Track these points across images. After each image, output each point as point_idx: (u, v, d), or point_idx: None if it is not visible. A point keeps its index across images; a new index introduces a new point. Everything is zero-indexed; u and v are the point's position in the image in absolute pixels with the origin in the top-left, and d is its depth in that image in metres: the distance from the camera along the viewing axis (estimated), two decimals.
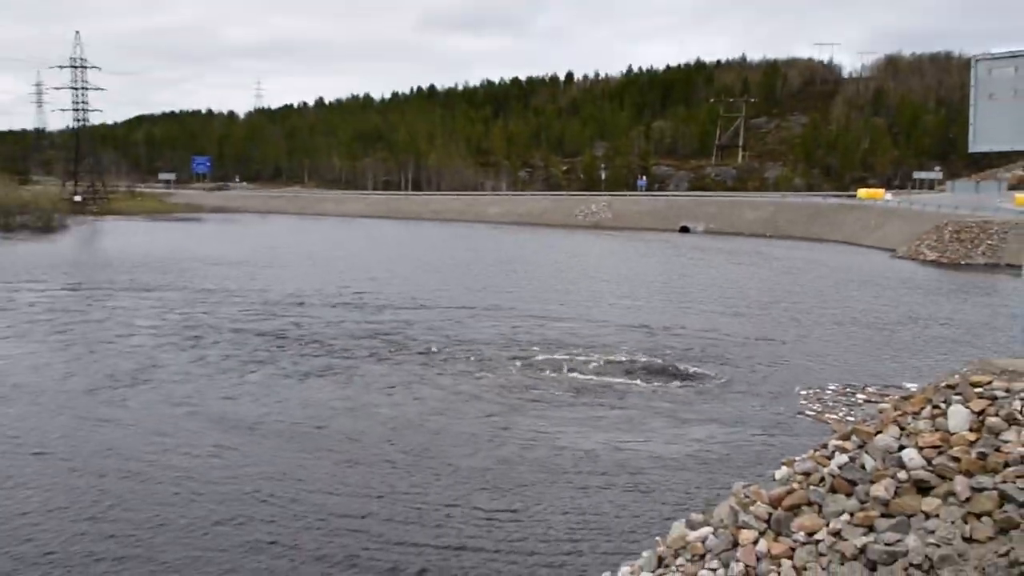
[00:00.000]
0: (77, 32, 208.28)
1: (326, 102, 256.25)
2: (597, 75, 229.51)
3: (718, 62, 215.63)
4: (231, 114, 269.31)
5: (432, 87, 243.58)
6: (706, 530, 11.64)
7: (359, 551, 16.17)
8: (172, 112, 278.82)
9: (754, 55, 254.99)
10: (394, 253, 77.00)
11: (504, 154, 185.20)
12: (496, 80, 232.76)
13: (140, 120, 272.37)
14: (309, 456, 21.56)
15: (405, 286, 53.11)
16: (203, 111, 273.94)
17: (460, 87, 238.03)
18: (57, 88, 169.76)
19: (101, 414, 25.20)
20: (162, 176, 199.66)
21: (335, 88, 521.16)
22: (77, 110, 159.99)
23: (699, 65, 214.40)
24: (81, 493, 19.05)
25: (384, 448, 22.16)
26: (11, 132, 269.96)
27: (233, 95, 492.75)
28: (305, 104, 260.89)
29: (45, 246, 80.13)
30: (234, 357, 32.88)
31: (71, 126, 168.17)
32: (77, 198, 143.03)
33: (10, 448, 22.05)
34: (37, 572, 15.38)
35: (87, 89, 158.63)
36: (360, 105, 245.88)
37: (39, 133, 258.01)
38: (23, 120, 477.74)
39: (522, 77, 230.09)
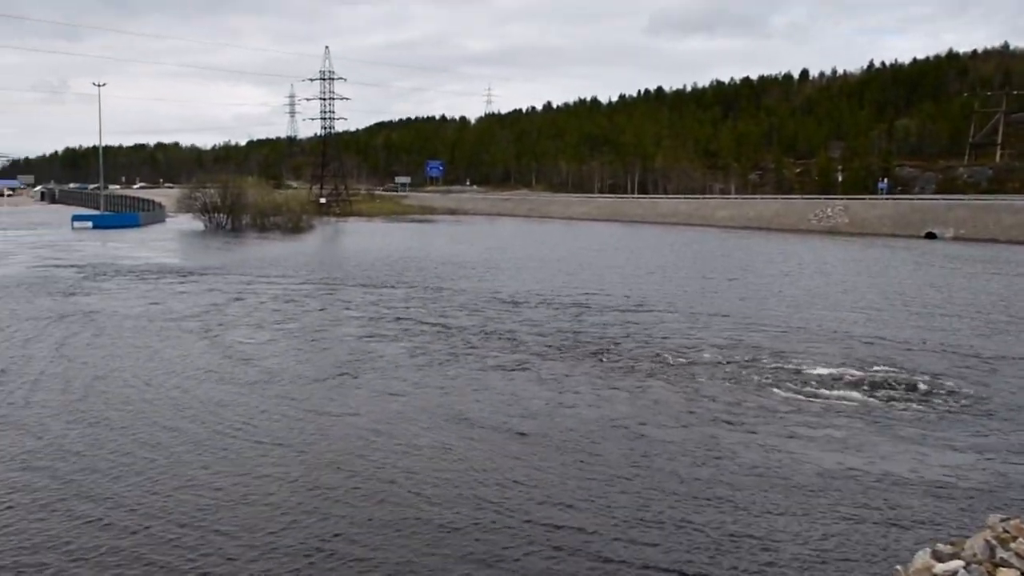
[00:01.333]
0: (327, 47, 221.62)
1: (554, 106, 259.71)
2: (835, 72, 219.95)
3: (974, 52, 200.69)
4: (463, 120, 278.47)
5: (660, 89, 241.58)
6: (956, 563, 10.65)
7: (582, 569, 16.00)
8: (409, 119, 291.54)
9: (1019, 43, 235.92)
10: (619, 257, 76.82)
11: (733, 156, 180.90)
12: (726, 80, 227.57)
13: (380, 127, 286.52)
14: (520, 459, 21.69)
15: (629, 290, 52.79)
16: (437, 118, 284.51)
17: (689, 88, 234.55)
18: (308, 99, 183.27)
19: (324, 405, 26.49)
20: (398, 180, 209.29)
21: (563, 92, 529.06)
22: (325, 119, 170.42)
23: (951, 56, 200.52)
24: (302, 485, 20.02)
25: (597, 454, 21.96)
26: (268, 140, 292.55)
27: (466, 102, 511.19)
28: (534, 108, 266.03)
29: (294, 245, 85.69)
30: (457, 355, 33.64)
31: (319, 134, 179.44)
32: (322, 200, 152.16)
33: (241, 436, 23.54)
34: (237, 565, 16.27)
35: (334, 99, 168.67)
36: (587, 108, 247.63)
37: (291, 141, 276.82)
38: (278, 129, 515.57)
39: (753, 77, 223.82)
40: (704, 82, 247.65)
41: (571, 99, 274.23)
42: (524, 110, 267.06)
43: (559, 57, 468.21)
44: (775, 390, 28.35)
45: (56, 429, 23.88)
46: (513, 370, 31.21)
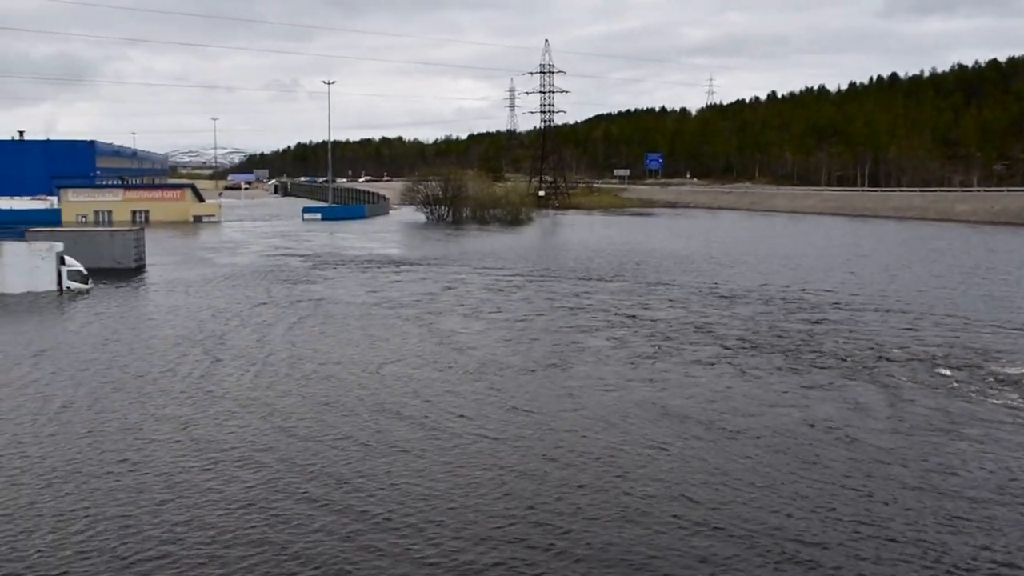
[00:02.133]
0: (546, 41, 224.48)
1: (779, 96, 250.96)
2: None
3: None
4: (683, 111, 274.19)
5: (894, 75, 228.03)
6: None
7: None
8: (628, 111, 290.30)
9: None
10: (844, 252, 72.85)
11: (976, 145, 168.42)
12: (969, 64, 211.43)
13: (599, 119, 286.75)
14: (735, 461, 20.61)
15: (852, 288, 49.88)
16: (656, 109, 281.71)
17: (926, 74, 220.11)
18: (527, 93, 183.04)
19: (536, 397, 26.39)
20: (617, 172, 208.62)
21: (788, 81, 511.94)
22: (544, 112, 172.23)
23: None
24: (521, 478, 19.77)
25: (812, 459, 20.71)
26: (488, 134, 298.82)
27: (686, 93, 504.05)
28: (757, 99, 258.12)
29: (512, 237, 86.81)
30: (666, 349, 32.93)
31: (538, 127, 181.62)
32: (541, 193, 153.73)
33: (459, 427, 23.57)
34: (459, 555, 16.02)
35: (553, 92, 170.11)
36: (814, 97, 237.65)
37: (511, 134, 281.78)
38: (498, 123, 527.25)
39: (1001, 59, 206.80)
40: (944, 66, 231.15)
41: (797, 88, 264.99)
42: (747, 100, 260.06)
43: (784, 45, 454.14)
44: (998, 399, 25.82)
45: (282, 409, 24.88)
46: (719, 365, 30.32)
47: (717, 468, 19.96)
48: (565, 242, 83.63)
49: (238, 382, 28.12)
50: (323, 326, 38.04)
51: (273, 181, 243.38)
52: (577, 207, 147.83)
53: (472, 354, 32.32)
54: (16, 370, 29.78)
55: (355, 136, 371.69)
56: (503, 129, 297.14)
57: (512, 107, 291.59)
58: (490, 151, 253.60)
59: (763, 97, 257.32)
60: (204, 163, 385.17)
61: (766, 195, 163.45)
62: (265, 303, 44.13)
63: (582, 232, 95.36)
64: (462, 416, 24.16)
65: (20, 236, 54.71)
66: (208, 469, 20.06)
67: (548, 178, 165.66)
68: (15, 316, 41.11)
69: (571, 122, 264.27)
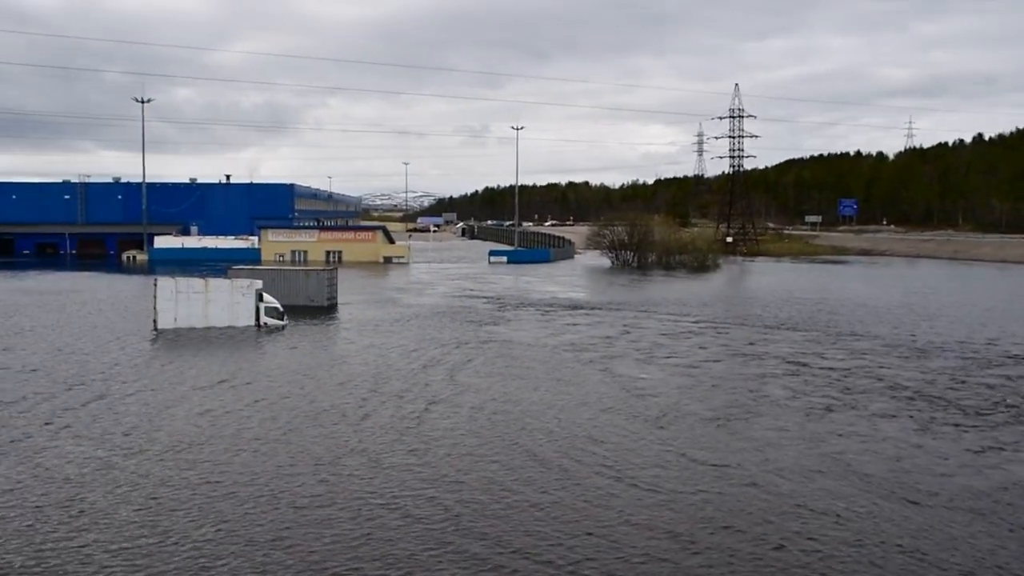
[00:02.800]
0: (736, 85, 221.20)
1: (985, 138, 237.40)
2: None
3: None
4: (880, 155, 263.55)
5: None
6: None
7: None
8: (821, 155, 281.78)
9: None
10: None
11: None
12: None
13: (790, 164, 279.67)
14: (963, 534, 19.12)
15: None
16: (851, 153, 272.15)
17: None
18: (716, 137, 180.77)
19: (711, 451, 25.60)
20: (808, 219, 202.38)
21: (996, 123, 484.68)
22: (733, 157, 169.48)
23: None
24: (694, 543, 19.06)
25: None
26: (675, 179, 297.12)
27: (883, 136, 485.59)
28: (961, 141, 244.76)
29: (698, 283, 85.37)
30: (847, 402, 31.35)
31: (726, 172, 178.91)
32: (729, 239, 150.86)
33: (630, 480, 23.02)
34: None
35: (743, 137, 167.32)
36: None
37: (698, 179, 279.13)
38: (686, 168, 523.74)
39: None
40: None
41: (1006, 130, 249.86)
42: (950, 143, 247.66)
43: (992, 84, 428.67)
44: None
45: (467, 449, 25.11)
46: (902, 419, 28.90)
47: (912, 534, 18.65)
48: (753, 289, 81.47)
49: (423, 420, 28.62)
50: (508, 368, 38.39)
51: (460, 224, 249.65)
52: (766, 254, 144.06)
53: (653, 401, 31.83)
54: (215, 399, 31.40)
55: (542, 180, 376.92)
56: (690, 174, 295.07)
57: (700, 152, 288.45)
58: (677, 196, 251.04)
59: (968, 140, 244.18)
60: (395, 206, 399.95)
61: (971, 243, 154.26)
62: (450, 344, 44.97)
63: (770, 279, 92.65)
64: (655, 466, 23.69)
65: (223, 273, 58.08)
66: (393, 506, 20.39)
67: (736, 224, 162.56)
68: (217, 348, 43.57)
69: (761, 167, 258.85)
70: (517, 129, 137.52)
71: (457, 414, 29.59)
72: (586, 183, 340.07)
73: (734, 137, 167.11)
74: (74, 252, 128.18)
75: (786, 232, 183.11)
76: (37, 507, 20.21)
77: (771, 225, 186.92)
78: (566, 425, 28.21)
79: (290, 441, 25.92)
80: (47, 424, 27.84)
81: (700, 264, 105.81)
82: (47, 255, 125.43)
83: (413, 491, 21.44)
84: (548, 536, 18.60)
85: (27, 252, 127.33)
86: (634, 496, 21.28)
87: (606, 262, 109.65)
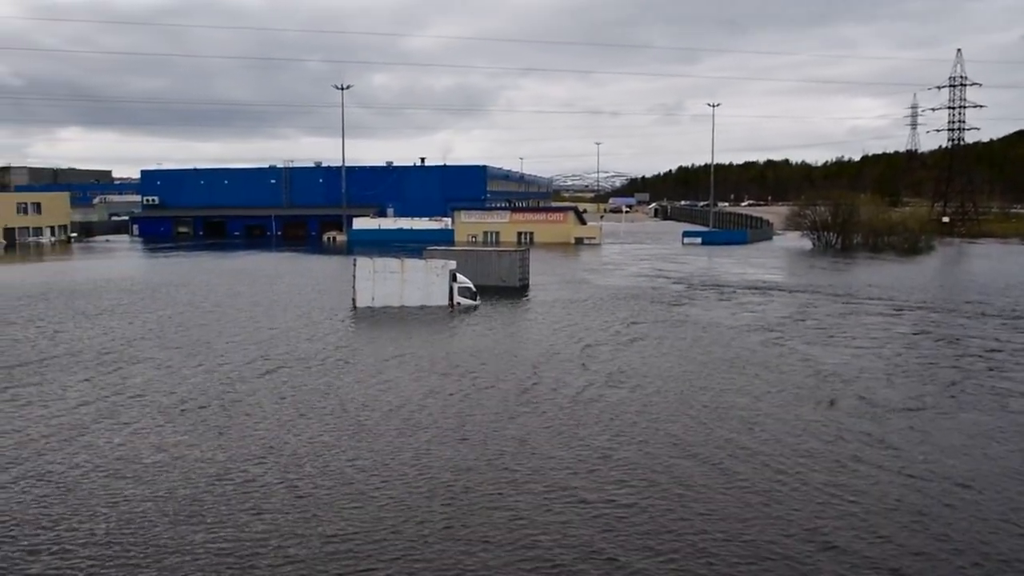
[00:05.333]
0: (959, 51, 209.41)
1: None
2: None
3: None
4: None
5: None
6: None
7: None
8: None
9: None
10: None
11: None
12: None
13: (1020, 136, 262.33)
14: None
15: None
16: None
17: None
18: (933, 109, 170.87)
19: (928, 439, 24.95)
20: None
21: None
22: (952, 129, 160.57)
23: None
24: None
25: None
26: (884, 155, 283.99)
27: None
28: None
29: (908, 267, 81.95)
30: None
31: (944, 146, 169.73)
32: (945, 219, 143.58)
33: (816, 480, 22.93)
34: None
35: (964, 107, 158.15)
36: None
37: (911, 155, 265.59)
38: (897, 143, 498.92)
39: None
40: None
41: None
42: None
43: None
44: None
45: (657, 428, 25.81)
46: None
47: None
48: (971, 273, 77.48)
49: (607, 398, 29.48)
50: (694, 350, 38.66)
51: (653, 205, 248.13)
52: (989, 235, 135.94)
53: (850, 386, 31.45)
54: (410, 373, 33.38)
55: (738, 159, 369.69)
56: (901, 149, 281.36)
57: (914, 125, 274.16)
58: (886, 174, 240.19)
59: None
60: (586, 187, 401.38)
61: None
62: (639, 323, 45.60)
63: (992, 263, 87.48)
64: (856, 460, 23.65)
65: (418, 254, 60.72)
66: (591, 477, 21.35)
67: (954, 203, 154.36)
68: (415, 326, 45.88)
69: (985, 140, 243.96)
70: (713, 106, 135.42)
71: (643, 395, 30.28)
72: (786, 161, 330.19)
73: (954, 108, 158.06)
74: (279, 233, 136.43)
75: (1014, 211, 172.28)
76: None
77: (995, 204, 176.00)
78: (762, 416, 28.38)
79: (481, 415, 27.39)
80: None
81: (911, 246, 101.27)
82: (255, 236, 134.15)
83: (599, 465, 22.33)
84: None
85: (237, 234, 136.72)
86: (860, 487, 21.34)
87: (807, 244, 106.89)
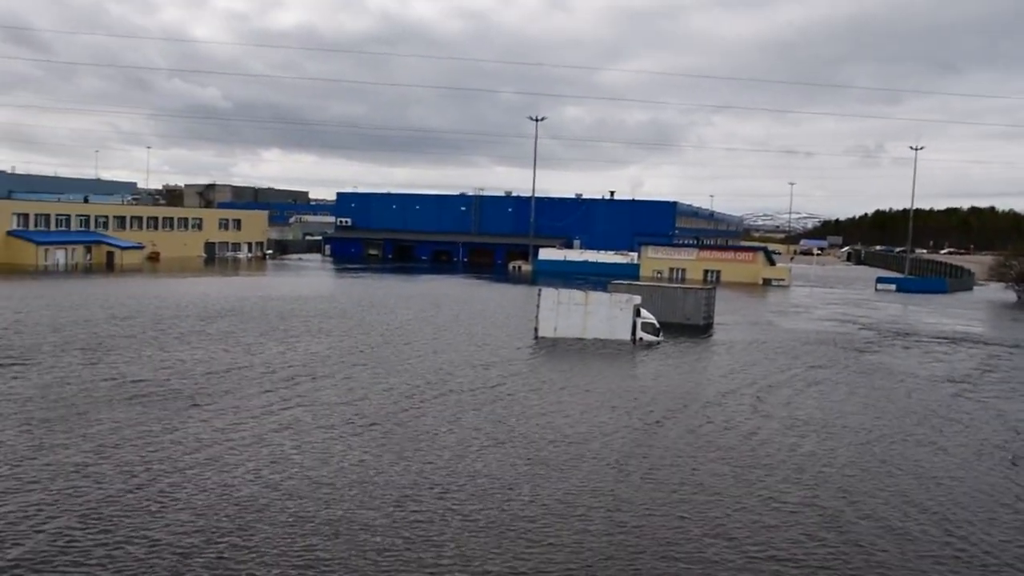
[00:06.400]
0: None
1: None
2: None
3: None
4: None
5: None
6: None
7: None
8: None
9: None
10: None
11: None
12: None
13: None
14: None
15: None
16: None
17: None
18: None
19: None
20: None
21: None
22: None
23: None
24: None
25: None
26: None
27: None
28: None
29: None
30: None
31: None
32: None
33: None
34: None
35: None
36: None
37: None
38: None
39: None
40: None
41: None
42: None
43: None
44: None
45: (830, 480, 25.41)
46: None
47: None
48: None
49: (781, 443, 29.12)
50: (879, 401, 37.58)
51: (846, 248, 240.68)
52: None
53: None
54: (591, 403, 33.94)
55: (940, 205, 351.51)
56: None
57: None
58: None
59: None
60: (777, 227, 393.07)
61: None
62: (826, 370, 44.60)
63: None
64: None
65: (603, 287, 61.24)
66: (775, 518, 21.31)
67: None
68: (597, 359, 46.41)
69: None
70: (916, 149, 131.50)
71: (819, 441, 29.77)
72: (992, 208, 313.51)
73: None
74: (465, 260, 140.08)
75: None
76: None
77: None
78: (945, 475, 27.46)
79: (657, 458, 27.63)
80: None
81: None
82: (441, 261, 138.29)
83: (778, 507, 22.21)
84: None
85: (424, 258, 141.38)
86: None
87: (1011, 296, 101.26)
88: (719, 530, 20.84)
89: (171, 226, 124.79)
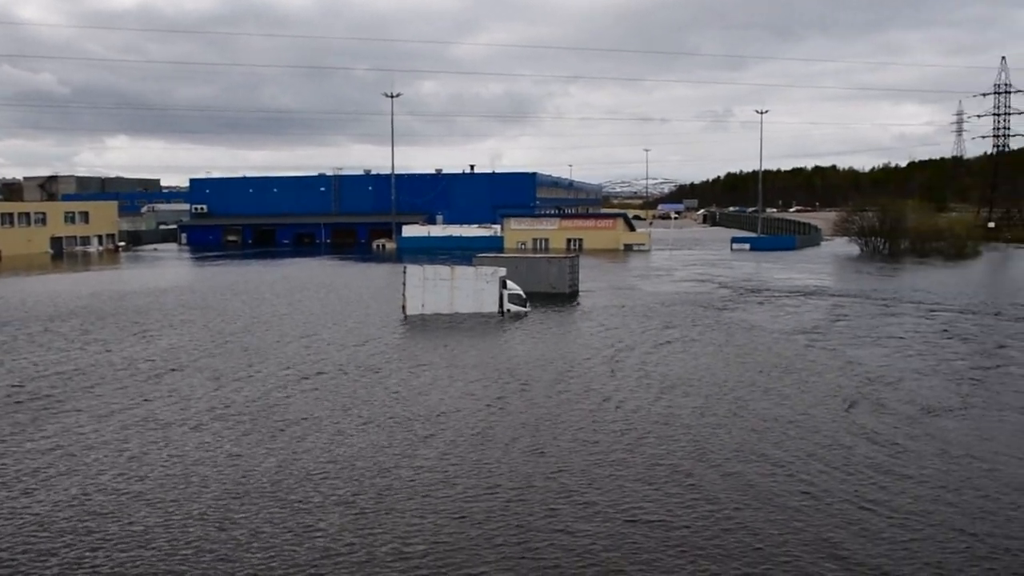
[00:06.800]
0: (1003, 58, 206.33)
1: None
2: None
3: None
4: None
5: None
6: None
7: None
8: None
9: None
10: None
11: None
12: None
13: None
14: None
15: None
16: None
17: None
18: (979, 116, 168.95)
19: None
20: None
21: None
22: (997, 136, 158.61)
23: None
24: None
25: None
26: (931, 161, 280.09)
27: None
28: None
29: (954, 272, 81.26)
30: None
31: (989, 152, 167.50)
32: (991, 225, 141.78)
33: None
34: None
35: (1009, 114, 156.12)
36: None
37: (956, 161, 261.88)
38: (943, 149, 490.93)
39: None
40: None
41: None
42: None
43: None
44: None
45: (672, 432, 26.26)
46: None
47: None
48: (1016, 278, 76.86)
49: (638, 398, 29.93)
50: (732, 350, 38.97)
51: (702, 211, 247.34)
52: None
53: (895, 391, 31.63)
54: (455, 377, 34.08)
55: (786, 165, 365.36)
56: (948, 156, 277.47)
57: (959, 132, 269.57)
58: (932, 180, 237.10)
59: None
60: (635, 193, 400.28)
61: None
62: (689, 329, 45.94)
63: None
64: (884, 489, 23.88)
65: (468, 261, 61.36)
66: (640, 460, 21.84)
67: (1000, 209, 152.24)
68: (466, 333, 46.60)
69: None
70: (762, 113, 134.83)
71: (676, 393, 30.71)
72: (833, 167, 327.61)
73: (999, 115, 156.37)
74: (328, 241, 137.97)
75: None
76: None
77: None
78: (798, 422, 28.68)
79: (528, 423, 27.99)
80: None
81: (958, 251, 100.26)
82: (304, 244, 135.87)
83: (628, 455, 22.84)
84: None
85: (286, 242, 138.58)
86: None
87: (855, 249, 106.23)
88: (574, 496, 21.38)
89: (11, 222, 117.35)
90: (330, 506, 20.28)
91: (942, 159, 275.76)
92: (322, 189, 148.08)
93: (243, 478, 22.26)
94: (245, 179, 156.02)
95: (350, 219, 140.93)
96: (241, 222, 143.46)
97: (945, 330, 45.76)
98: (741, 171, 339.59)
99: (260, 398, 31.08)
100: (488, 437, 25.82)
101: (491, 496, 20.91)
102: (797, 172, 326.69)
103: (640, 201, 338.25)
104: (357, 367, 36.85)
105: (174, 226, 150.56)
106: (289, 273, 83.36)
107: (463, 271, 54.75)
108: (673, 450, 24.41)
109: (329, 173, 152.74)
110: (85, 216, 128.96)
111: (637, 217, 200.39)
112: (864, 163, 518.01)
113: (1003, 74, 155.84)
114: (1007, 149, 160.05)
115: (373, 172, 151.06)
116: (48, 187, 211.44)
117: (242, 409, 29.45)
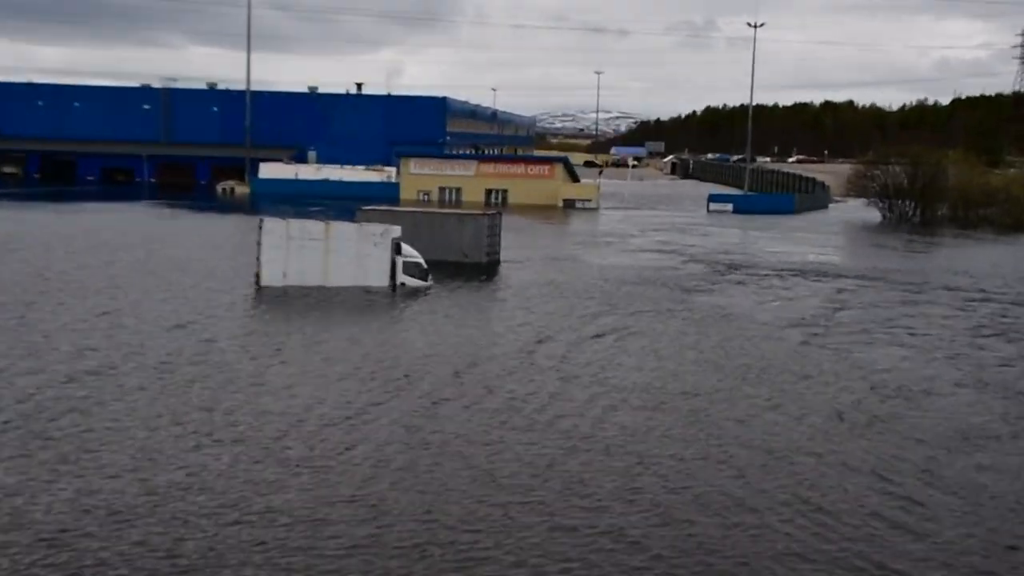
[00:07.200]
0: None
1: None
2: None
3: None
4: None
5: None
6: None
7: None
8: None
9: None
10: None
11: None
12: None
13: None
14: None
15: None
16: None
17: None
18: None
19: None
20: None
21: None
22: None
23: None
24: None
25: None
26: (983, 98, 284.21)
27: None
28: None
29: (1008, 248, 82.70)
30: None
31: None
32: None
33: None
34: None
35: None
36: None
37: (1018, 98, 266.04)
38: (1000, 82, 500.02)
39: None
40: None
41: None
42: None
43: None
44: None
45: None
46: None
47: None
48: None
49: (584, 418, 30.30)
50: (709, 344, 39.52)
51: (670, 158, 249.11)
52: None
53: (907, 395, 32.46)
54: (313, 374, 34.06)
55: (786, 99, 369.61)
56: (1007, 91, 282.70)
57: None
58: (985, 123, 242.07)
59: None
60: (581, 130, 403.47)
61: None
62: (647, 320, 46.29)
63: None
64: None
65: (350, 216, 60.85)
66: None
67: None
68: (340, 314, 46.42)
69: None
70: (755, 26, 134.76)
71: (629, 408, 31.15)
72: (850, 103, 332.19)
73: None
74: (152, 180, 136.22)
75: None
76: None
77: None
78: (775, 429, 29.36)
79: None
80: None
81: (1015, 221, 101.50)
82: (118, 183, 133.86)
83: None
84: None
85: (91, 178, 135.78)
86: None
87: (874, 215, 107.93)
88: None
89: None
90: None
91: (998, 95, 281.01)
92: (146, 107, 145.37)
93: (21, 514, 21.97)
94: (33, 86, 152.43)
95: (185, 151, 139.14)
96: (24, 147, 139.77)
97: (984, 326, 47.02)
98: (725, 106, 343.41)
99: (46, 403, 30.60)
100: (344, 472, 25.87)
101: None
102: (800, 109, 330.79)
103: (587, 142, 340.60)
104: (162, 362, 35.64)
105: None
106: (94, 224, 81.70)
107: (342, 229, 54.20)
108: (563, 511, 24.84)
109: (157, 85, 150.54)
110: None
111: (591, 164, 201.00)
112: (892, 99, 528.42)
113: None
114: None
115: (220, 87, 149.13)
116: None
117: (10, 417, 28.95)
